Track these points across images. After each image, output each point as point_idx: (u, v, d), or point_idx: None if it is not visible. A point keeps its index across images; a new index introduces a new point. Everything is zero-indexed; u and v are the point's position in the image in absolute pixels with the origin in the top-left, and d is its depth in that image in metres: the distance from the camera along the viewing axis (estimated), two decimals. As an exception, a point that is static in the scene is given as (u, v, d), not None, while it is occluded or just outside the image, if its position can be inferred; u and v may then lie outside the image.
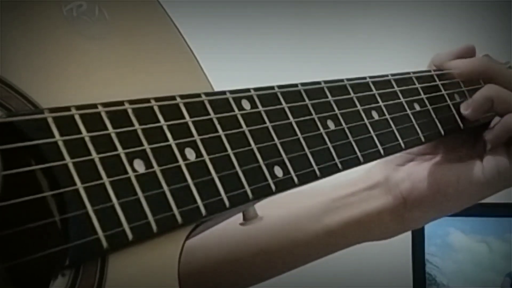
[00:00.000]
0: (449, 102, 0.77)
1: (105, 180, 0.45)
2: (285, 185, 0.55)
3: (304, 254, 0.81)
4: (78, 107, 0.46)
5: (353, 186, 0.81)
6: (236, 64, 1.78)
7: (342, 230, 0.79)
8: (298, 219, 0.80)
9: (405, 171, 0.80)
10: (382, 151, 0.65)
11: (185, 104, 0.51)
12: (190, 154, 0.50)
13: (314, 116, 0.61)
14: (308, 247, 0.80)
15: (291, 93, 0.60)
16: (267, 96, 0.58)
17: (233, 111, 0.54)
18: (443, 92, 0.77)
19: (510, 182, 0.77)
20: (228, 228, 0.64)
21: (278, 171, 0.55)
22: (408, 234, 1.15)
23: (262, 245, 0.79)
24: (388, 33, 1.87)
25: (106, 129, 0.46)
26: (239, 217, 0.57)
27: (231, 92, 0.55)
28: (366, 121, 0.65)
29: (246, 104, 0.56)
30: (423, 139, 0.72)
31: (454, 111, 0.77)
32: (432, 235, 1.22)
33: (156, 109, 0.50)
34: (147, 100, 0.49)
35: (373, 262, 1.63)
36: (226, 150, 0.52)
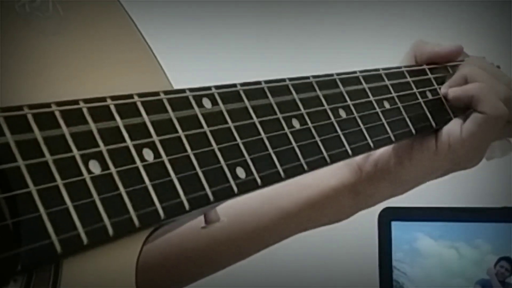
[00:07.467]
0: (420, 100, 0.79)
1: (59, 182, 0.45)
2: (247, 186, 0.56)
3: (258, 240, 0.82)
4: (31, 106, 0.46)
5: None
6: (196, 65, 1.79)
7: (297, 213, 0.81)
8: (252, 203, 0.82)
9: None
10: (350, 151, 0.66)
11: (143, 103, 0.52)
12: (148, 155, 0.51)
13: (279, 115, 0.62)
14: (263, 232, 0.82)
15: (254, 91, 0.61)
16: (229, 94, 0.59)
17: (193, 110, 0.55)
18: (415, 90, 0.79)
19: (460, 158, 0.79)
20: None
21: (241, 172, 0.56)
22: (374, 239, 1.16)
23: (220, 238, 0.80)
24: (376, 33, 1.89)
25: (60, 129, 0.47)
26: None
27: (191, 90, 0.56)
28: (333, 119, 0.67)
29: (207, 103, 0.57)
30: (393, 138, 0.73)
31: (426, 110, 0.79)
32: (399, 240, 1.23)
33: (112, 108, 0.50)
34: (103, 99, 0.50)
35: (339, 270, 1.64)
36: (185, 151, 0.53)
